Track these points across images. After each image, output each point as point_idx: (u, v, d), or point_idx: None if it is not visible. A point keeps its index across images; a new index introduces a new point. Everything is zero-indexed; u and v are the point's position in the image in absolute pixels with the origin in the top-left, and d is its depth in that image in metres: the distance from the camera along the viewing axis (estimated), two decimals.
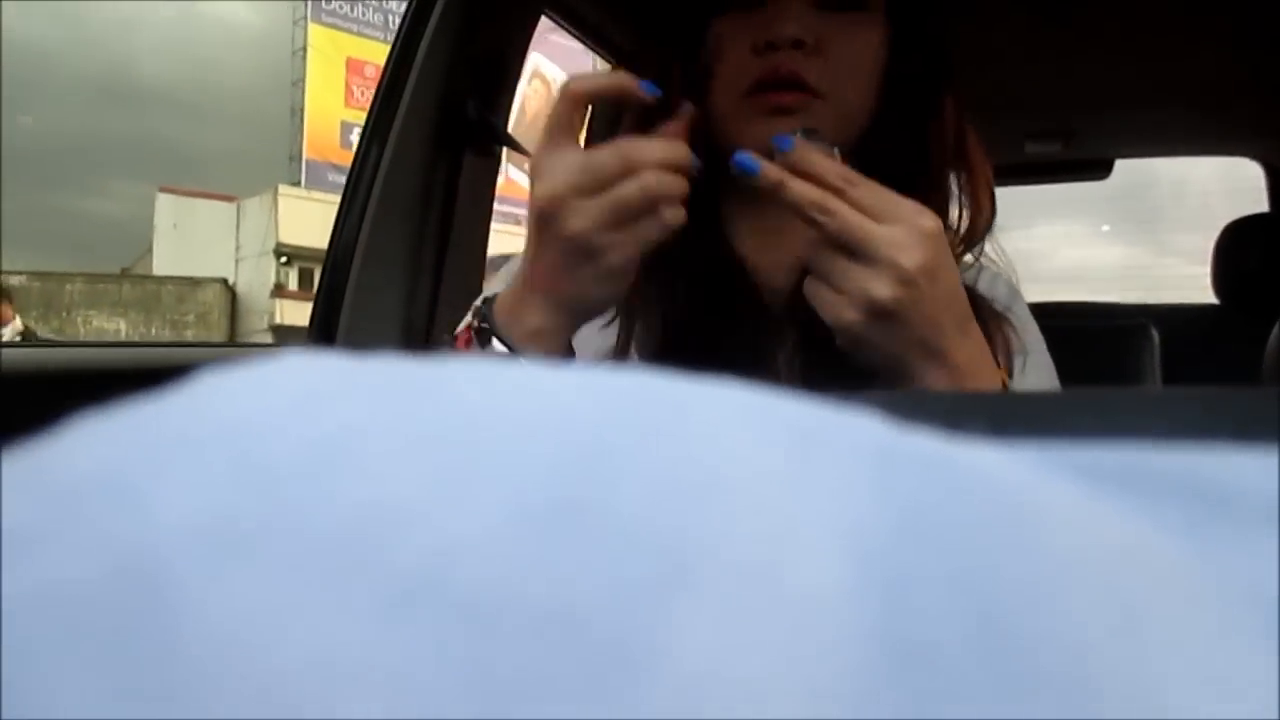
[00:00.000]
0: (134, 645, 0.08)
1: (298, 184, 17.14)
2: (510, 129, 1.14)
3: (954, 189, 0.67)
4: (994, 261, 0.71)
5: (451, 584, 0.08)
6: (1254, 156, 1.86)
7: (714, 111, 0.65)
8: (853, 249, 0.51)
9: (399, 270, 1.04)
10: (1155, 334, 1.41)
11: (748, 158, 0.53)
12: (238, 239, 17.33)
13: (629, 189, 0.52)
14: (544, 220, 0.53)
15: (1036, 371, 0.67)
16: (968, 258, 0.68)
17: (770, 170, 0.53)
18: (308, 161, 17.41)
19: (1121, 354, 1.43)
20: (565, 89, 0.56)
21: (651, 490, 0.09)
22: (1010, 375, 0.64)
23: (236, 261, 17.22)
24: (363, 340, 1.00)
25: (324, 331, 1.02)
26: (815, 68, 0.62)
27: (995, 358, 0.62)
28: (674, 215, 0.53)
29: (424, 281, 1.06)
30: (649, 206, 0.52)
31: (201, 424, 0.10)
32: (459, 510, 0.09)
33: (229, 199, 18.36)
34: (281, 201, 16.42)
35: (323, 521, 0.09)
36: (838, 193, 0.52)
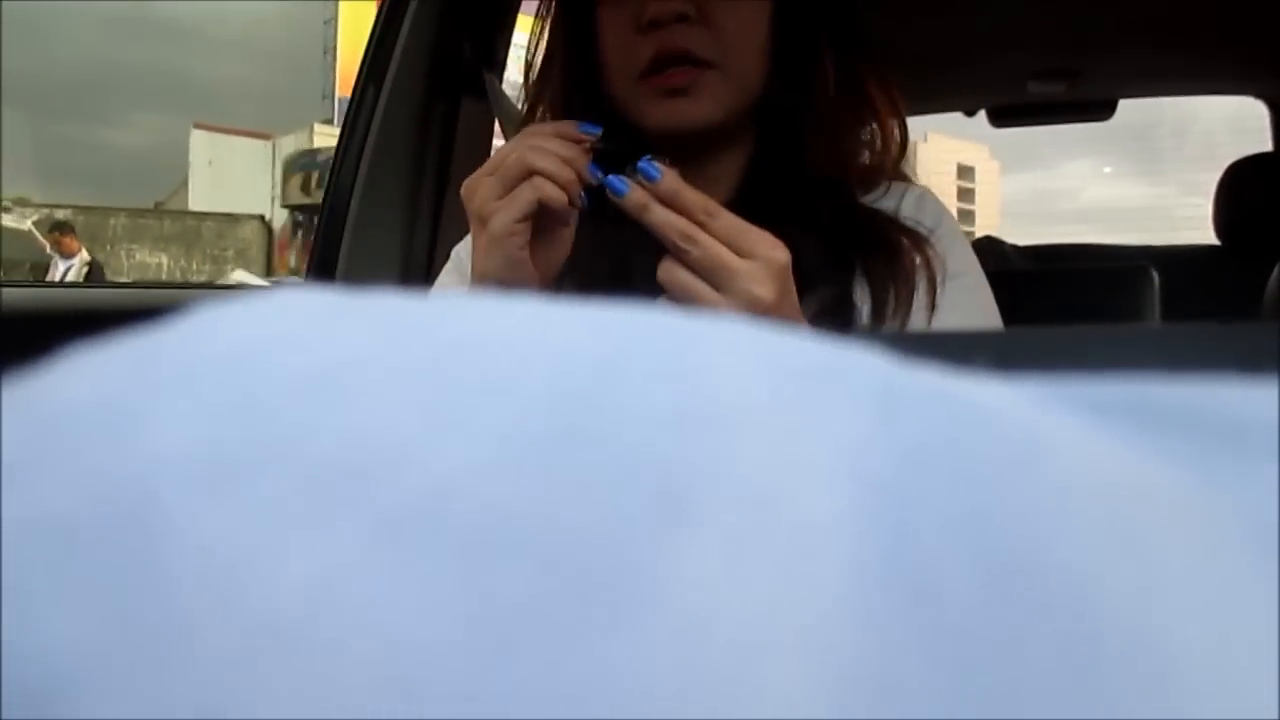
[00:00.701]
0: (126, 575, 0.08)
1: (330, 122, 17.10)
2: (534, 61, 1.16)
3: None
4: (915, 180, 0.72)
5: (449, 513, 0.08)
6: (1259, 95, 1.84)
7: (614, 96, 0.67)
8: (711, 279, 0.53)
9: (397, 212, 1.04)
10: (1155, 275, 1.41)
11: (619, 180, 0.55)
12: (274, 176, 17.39)
13: (509, 159, 0.58)
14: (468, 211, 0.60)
15: (965, 295, 0.66)
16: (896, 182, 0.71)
17: (638, 194, 0.55)
18: (341, 100, 17.34)
19: (1122, 295, 1.43)
20: (523, 158, 0.58)
21: (652, 421, 0.09)
22: (933, 300, 0.65)
23: (273, 199, 17.29)
24: (361, 282, 1.03)
25: (323, 273, 1.03)
26: (701, 38, 0.63)
27: (912, 280, 0.64)
28: (548, 187, 0.57)
29: (422, 223, 1.06)
30: (524, 174, 0.57)
31: (195, 356, 0.10)
32: (456, 439, 0.09)
33: (264, 136, 18.37)
34: (318, 140, 16.40)
35: (318, 452, 0.09)
36: (700, 224, 0.54)
